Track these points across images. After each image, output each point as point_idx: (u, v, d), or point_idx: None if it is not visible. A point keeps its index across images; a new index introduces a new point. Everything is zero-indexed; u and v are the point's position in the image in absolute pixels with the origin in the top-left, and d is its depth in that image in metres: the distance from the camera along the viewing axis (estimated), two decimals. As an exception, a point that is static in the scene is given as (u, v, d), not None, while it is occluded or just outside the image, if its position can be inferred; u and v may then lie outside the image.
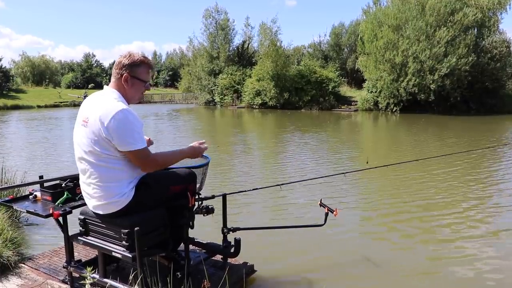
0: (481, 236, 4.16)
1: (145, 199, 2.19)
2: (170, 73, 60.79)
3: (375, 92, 24.84)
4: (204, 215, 2.56)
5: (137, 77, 2.18)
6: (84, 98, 2.39)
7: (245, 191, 3.43)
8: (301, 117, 22.88)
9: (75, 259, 2.58)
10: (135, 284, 2.12)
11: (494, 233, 4.29)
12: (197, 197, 2.61)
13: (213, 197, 2.80)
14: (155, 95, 46.91)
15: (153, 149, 2.26)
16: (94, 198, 2.17)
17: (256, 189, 3.40)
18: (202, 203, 2.67)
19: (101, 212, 2.19)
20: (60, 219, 2.42)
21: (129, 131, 2.02)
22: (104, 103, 2.07)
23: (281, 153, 10.43)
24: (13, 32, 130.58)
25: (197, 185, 2.58)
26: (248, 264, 2.98)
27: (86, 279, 1.92)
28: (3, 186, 2.88)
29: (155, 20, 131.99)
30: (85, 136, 2.08)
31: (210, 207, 2.55)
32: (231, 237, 2.82)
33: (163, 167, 2.27)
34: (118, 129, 1.99)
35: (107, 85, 2.24)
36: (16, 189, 4.35)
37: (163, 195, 2.29)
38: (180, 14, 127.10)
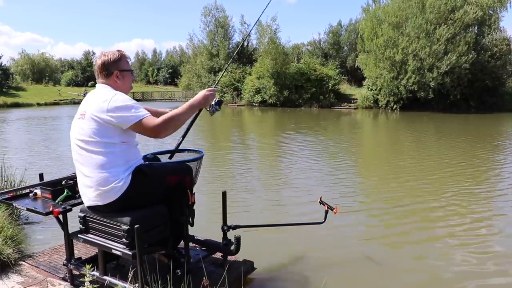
0: (484, 235, 4.16)
1: (142, 187, 2.19)
2: (170, 70, 60.75)
3: (375, 90, 24.85)
4: (219, 110, 2.49)
5: (124, 68, 2.33)
6: (84, 96, 2.42)
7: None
8: (301, 115, 22.88)
9: (75, 257, 2.58)
10: (135, 282, 2.13)
11: (497, 232, 4.30)
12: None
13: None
14: (155, 92, 46.94)
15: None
16: (92, 188, 2.17)
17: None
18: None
19: (100, 203, 2.19)
20: (60, 216, 2.42)
21: (128, 107, 2.11)
22: (99, 94, 2.20)
23: (281, 151, 10.43)
24: (12, 29, 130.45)
25: (194, 179, 2.59)
26: (248, 261, 2.98)
27: (86, 277, 1.93)
28: (3, 191, 2.89)
29: (155, 18, 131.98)
30: (82, 127, 2.15)
31: (217, 100, 2.45)
32: (231, 235, 2.83)
33: (175, 124, 2.17)
34: (117, 108, 2.09)
35: (97, 84, 2.33)
36: (16, 186, 4.40)
37: (160, 184, 2.30)
38: (180, 12, 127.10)
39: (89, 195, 2.21)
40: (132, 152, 2.24)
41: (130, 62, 2.42)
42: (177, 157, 2.86)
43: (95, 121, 2.11)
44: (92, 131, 2.11)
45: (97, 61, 2.30)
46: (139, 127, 2.11)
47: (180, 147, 2.89)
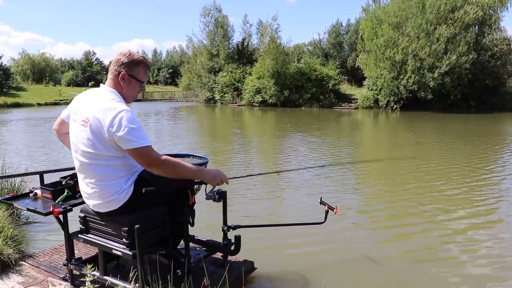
0: (485, 235, 4.16)
1: (144, 195, 2.19)
2: (170, 70, 60.80)
3: (375, 89, 24.84)
4: (218, 202, 2.44)
5: (135, 76, 2.19)
6: None
7: (240, 177, 3.30)
8: (302, 115, 22.87)
9: (76, 257, 2.58)
10: (135, 282, 2.13)
11: (498, 231, 4.29)
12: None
13: None
14: (155, 92, 46.96)
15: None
16: (94, 197, 2.17)
17: (252, 175, 3.33)
18: (213, 187, 2.47)
19: (102, 211, 2.20)
20: (61, 216, 2.42)
21: (132, 130, 2.00)
22: (105, 103, 2.05)
23: (281, 151, 10.42)
24: (12, 29, 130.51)
25: (198, 185, 2.57)
26: (248, 261, 2.98)
27: (86, 277, 1.93)
28: (10, 174, 2.89)
29: (155, 18, 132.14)
30: (85, 137, 2.07)
31: (220, 191, 2.42)
32: (231, 235, 2.83)
33: (174, 171, 2.10)
34: (121, 128, 1.97)
35: (101, 83, 2.24)
36: (16, 186, 4.41)
37: (162, 190, 2.29)
38: (180, 12, 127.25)
39: (90, 202, 2.22)
40: (134, 162, 2.17)
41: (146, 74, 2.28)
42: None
43: (97, 133, 2.02)
44: (94, 144, 2.04)
45: (117, 57, 2.19)
46: (136, 153, 2.02)
47: (186, 153, 2.90)
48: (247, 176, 3.06)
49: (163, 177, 2.24)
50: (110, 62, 2.28)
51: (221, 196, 2.45)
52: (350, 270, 3.41)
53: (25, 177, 4.80)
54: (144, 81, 2.28)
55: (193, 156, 2.92)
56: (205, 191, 2.48)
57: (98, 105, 2.05)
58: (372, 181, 6.80)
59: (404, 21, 23.07)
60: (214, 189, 2.41)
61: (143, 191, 2.13)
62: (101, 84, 2.22)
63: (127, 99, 2.21)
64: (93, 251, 2.94)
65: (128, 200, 2.15)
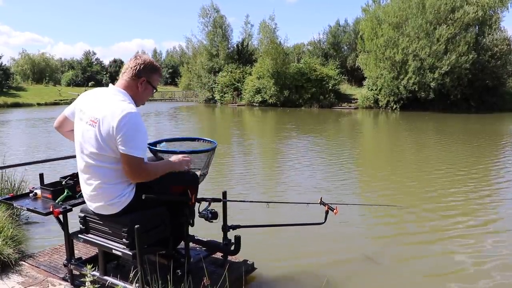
0: (486, 235, 4.15)
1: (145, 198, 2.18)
2: (170, 70, 60.73)
3: (375, 90, 24.84)
4: (210, 221, 2.51)
5: (152, 83, 2.24)
6: None
7: (234, 201, 3.07)
8: (302, 115, 22.86)
9: (76, 257, 2.58)
10: (135, 282, 2.13)
11: (502, 230, 4.29)
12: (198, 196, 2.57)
13: (213, 200, 2.60)
14: (155, 92, 46.89)
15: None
16: (95, 199, 2.17)
17: (244, 201, 3.27)
18: (209, 204, 2.55)
19: (103, 213, 2.21)
20: (60, 216, 2.41)
21: (135, 136, 2.01)
22: (116, 104, 2.04)
23: (282, 152, 10.42)
24: (12, 29, 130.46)
25: (205, 170, 2.63)
26: (248, 262, 2.98)
27: (86, 277, 1.93)
28: (12, 164, 2.91)
29: (155, 18, 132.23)
30: (93, 137, 2.05)
31: (213, 211, 2.48)
32: (231, 235, 2.82)
33: (152, 178, 2.15)
34: (125, 130, 1.98)
35: (111, 83, 2.22)
36: (16, 186, 4.46)
37: (164, 194, 2.29)
38: (180, 12, 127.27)
39: (92, 204, 2.22)
40: None
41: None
42: (191, 146, 2.87)
43: (105, 134, 2.01)
44: (101, 145, 2.03)
45: (136, 60, 2.18)
46: (126, 159, 2.02)
47: (194, 136, 2.92)
48: (240, 201, 3.09)
49: (164, 183, 2.25)
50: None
51: (214, 215, 2.48)
52: (350, 270, 3.41)
53: (25, 176, 4.82)
54: (157, 87, 2.34)
55: (203, 140, 2.92)
56: (198, 210, 2.51)
57: (109, 106, 2.04)
58: (373, 181, 6.80)
59: (404, 21, 23.08)
60: (208, 208, 2.47)
61: (143, 197, 2.15)
62: (110, 85, 2.21)
63: (139, 102, 2.23)
64: (93, 251, 2.94)
65: (129, 204, 2.15)
